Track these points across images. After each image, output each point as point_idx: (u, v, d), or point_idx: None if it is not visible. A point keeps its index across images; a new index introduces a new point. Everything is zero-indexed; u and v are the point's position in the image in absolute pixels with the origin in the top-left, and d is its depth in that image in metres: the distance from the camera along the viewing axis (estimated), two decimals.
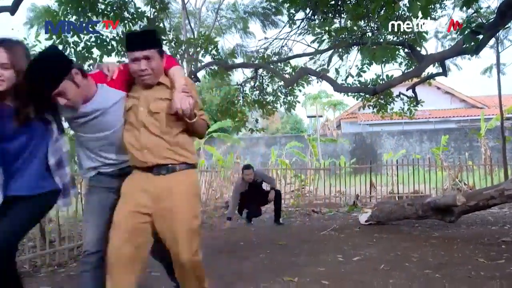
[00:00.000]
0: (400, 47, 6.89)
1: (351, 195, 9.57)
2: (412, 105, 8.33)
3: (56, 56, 1.98)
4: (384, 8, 5.42)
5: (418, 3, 4.29)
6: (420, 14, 4.62)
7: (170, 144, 2.07)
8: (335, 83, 6.81)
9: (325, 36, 6.79)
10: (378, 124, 21.22)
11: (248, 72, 8.37)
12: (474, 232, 5.30)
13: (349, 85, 7.33)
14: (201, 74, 8.20)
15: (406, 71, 7.19)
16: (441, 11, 7.04)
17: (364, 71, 6.97)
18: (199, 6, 11.67)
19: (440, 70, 7.13)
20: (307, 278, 3.32)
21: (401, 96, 8.24)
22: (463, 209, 5.20)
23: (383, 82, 7.16)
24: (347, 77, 7.23)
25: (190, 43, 7.31)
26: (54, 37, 4.96)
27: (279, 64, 8.06)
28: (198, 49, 7.22)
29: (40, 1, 17.89)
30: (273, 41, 8.13)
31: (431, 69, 7.37)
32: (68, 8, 5.21)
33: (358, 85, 7.29)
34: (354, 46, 7.16)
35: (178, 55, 7.28)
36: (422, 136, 20.56)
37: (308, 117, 29.37)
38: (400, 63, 7.49)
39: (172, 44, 6.85)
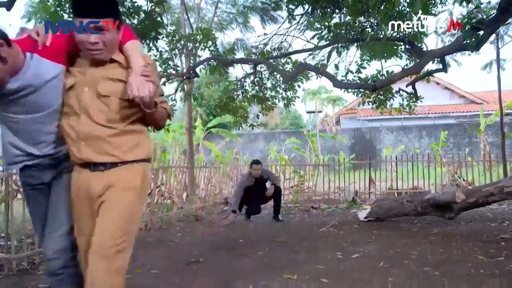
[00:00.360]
0: (401, 43, 6.85)
1: (350, 191, 9.57)
2: (411, 101, 8.31)
3: None
4: (384, 4, 5.38)
5: None
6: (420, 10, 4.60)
7: (116, 136, 1.71)
8: (335, 79, 6.78)
9: (325, 32, 6.75)
10: (377, 120, 21.20)
11: (248, 68, 8.35)
12: (473, 229, 5.29)
13: (348, 81, 7.30)
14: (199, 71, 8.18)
15: (405, 67, 7.16)
16: (442, 7, 7.00)
17: (364, 67, 6.93)
18: (197, 1, 11.57)
19: (440, 66, 7.09)
20: (306, 276, 3.31)
21: (401, 92, 8.22)
22: (463, 206, 5.20)
23: (383, 78, 7.13)
24: (346, 73, 7.20)
25: (188, 37, 7.27)
26: None
27: (278, 59, 8.02)
28: (197, 44, 7.19)
29: None
30: (272, 37, 8.09)
31: (431, 65, 7.33)
32: (63, 1, 5.18)
33: (358, 81, 7.26)
34: (354, 42, 7.12)
35: (176, 50, 7.25)
36: (421, 132, 20.57)
37: (307, 112, 29.41)
38: (401, 57, 7.44)
39: (170, 38, 6.83)
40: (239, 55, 10.35)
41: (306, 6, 7.15)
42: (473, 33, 4.66)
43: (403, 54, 7.42)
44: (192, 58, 7.77)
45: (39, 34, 1.70)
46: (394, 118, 16.12)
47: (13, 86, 1.65)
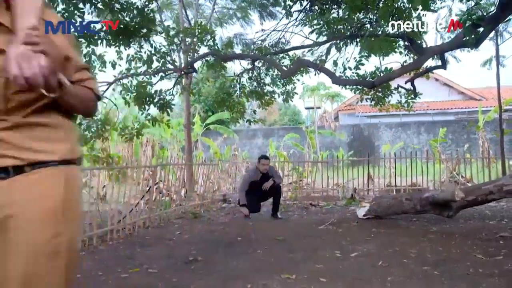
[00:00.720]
0: (400, 39, 6.80)
1: (349, 187, 9.56)
2: (410, 97, 8.27)
3: None
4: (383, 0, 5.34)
5: None
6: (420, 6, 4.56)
7: (13, 130, 1.14)
8: (334, 76, 6.75)
9: (323, 28, 6.70)
10: (376, 116, 21.17)
11: (246, 63, 8.29)
12: (472, 227, 5.28)
13: (347, 78, 7.26)
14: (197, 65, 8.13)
15: (404, 63, 7.12)
16: (441, 3, 6.95)
17: (363, 64, 6.90)
18: None
19: (439, 63, 7.06)
20: (304, 275, 3.29)
21: (399, 89, 8.18)
22: (462, 204, 5.19)
23: (382, 74, 7.10)
24: (344, 69, 7.16)
25: (186, 31, 7.22)
26: None
27: (276, 56, 7.97)
28: (195, 39, 7.13)
29: None
30: (270, 33, 8.03)
31: (430, 62, 7.31)
32: None
33: (356, 77, 7.23)
34: (352, 38, 7.07)
35: (174, 45, 7.20)
36: (420, 128, 20.56)
37: (306, 108, 29.37)
38: (400, 53, 7.39)
39: (167, 33, 6.78)
40: (237, 50, 10.31)
41: (305, 3, 7.09)
42: (473, 30, 4.63)
43: (402, 51, 7.38)
44: (190, 53, 7.72)
45: None
46: (392, 115, 16.10)
47: None
